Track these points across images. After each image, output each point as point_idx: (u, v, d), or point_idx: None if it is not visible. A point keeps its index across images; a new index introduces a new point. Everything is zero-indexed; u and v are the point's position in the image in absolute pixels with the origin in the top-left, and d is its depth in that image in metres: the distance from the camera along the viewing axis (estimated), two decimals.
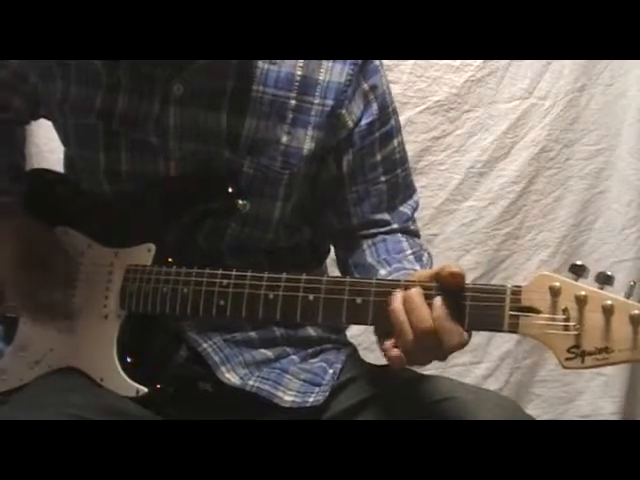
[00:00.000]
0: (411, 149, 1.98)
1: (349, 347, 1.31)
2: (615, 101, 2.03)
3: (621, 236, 2.03)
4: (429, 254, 1.26)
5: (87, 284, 1.21)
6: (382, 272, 1.17)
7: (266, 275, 1.08)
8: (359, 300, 1.03)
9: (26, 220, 1.25)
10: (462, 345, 0.98)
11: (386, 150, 1.26)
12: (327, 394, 1.18)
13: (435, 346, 0.98)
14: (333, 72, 1.19)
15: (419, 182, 1.99)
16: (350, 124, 1.22)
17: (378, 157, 1.25)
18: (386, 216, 1.26)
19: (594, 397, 2.07)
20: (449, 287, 0.98)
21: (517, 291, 0.97)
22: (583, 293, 0.94)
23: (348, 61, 1.20)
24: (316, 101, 1.19)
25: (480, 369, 2.07)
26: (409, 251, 1.23)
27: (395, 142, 1.27)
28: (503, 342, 2.06)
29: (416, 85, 1.99)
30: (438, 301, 0.98)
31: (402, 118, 1.96)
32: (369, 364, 1.27)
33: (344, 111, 1.21)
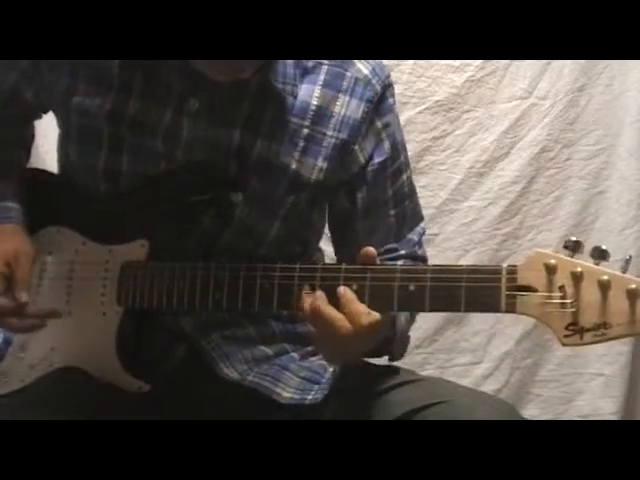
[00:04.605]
0: (411, 149, 1.97)
1: None
2: (615, 101, 2.03)
3: (621, 236, 2.02)
4: None
5: (83, 282, 1.20)
6: None
7: (261, 265, 1.09)
8: (355, 286, 1.04)
9: (15, 226, 1.23)
10: (372, 325, 1.01)
11: (396, 185, 1.27)
12: (326, 392, 1.19)
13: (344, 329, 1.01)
14: (349, 106, 1.19)
15: (419, 182, 1.98)
16: (362, 160, 1.22)
17: (389, 193, 1.26)
18: (394, 245, 1.27)
19: (594, 397, 2.07)
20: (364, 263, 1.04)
21: (513, 270, 0.97)
22: (579, 269, 0.94)
23: (364, 97, 1.20)
24: (329, 133, 1.19)
25: (480, 369, 2.06)
26: None
27: (404, 176, 1.28)
28: (503, 342, 2.05)
29: (416, 85, 2.00)
30: (341, 289, 1.03)
31: (402, 118, 1.96)
32: (368, 364, 1.27)
33: (357, 147, 1.21)
